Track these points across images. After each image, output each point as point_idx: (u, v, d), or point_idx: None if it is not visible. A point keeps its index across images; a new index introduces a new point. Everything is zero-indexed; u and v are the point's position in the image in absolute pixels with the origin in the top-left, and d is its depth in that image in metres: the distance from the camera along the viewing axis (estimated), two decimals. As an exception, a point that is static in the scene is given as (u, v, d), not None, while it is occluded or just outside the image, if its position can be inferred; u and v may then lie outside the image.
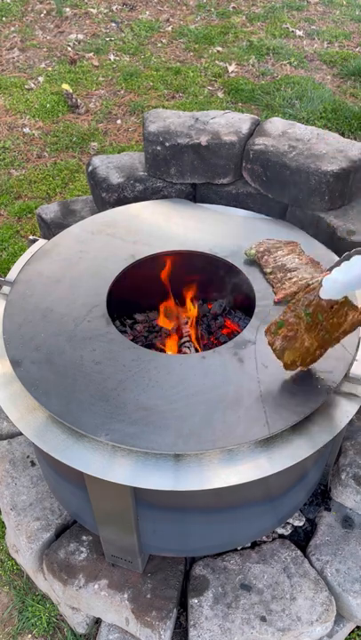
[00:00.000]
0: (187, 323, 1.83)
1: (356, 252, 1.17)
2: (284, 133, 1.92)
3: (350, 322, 1.27)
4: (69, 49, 4.66)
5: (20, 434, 1.85)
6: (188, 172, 1.96)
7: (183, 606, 1.62)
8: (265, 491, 1.46)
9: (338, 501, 1.77)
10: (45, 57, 4.58)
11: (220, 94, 4.05)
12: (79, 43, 4.75)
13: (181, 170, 1.95)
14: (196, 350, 1.75)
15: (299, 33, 4.74)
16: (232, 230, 1.80)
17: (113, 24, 4.99)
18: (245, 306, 1.70)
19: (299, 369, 1.35)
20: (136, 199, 2.03)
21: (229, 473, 1.24)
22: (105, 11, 5.18)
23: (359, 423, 1.84)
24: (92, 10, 5.16)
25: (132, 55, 4.57)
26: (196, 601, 1.56)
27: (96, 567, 1.65)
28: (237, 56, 4.45)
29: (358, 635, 1.72)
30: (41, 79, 4.28)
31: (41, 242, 1.80)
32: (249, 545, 1.68)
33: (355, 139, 3.42)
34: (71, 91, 4.03)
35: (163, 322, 1.83)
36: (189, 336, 1.80)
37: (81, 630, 1.75)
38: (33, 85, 4.24)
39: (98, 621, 1.73)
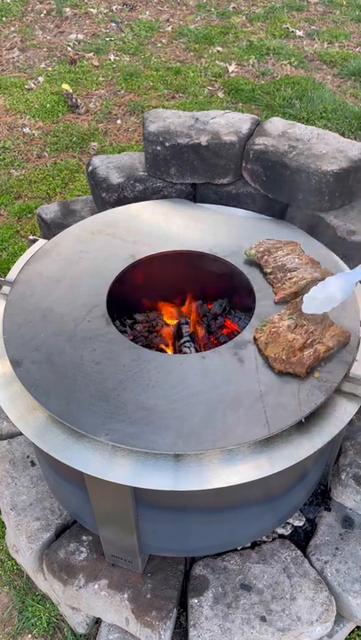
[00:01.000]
0: (187, 323, 1.83)
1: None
2: (284, 133, 1.92)
3: (330, 337, 1.39)
4: (69, 49, 4.66)
5: (20, 434, 1.85)
6: (188, 172, 1.96)
7: (183, 606, 1.62)
8: (265, 491, 1.46)
9: (338, 501, 1.77)
10: (45, 57, 4.58)
11: (220, 94, 4.05)
12: (79, 43, 4.76)
13: (181, 170, 1.95)
14: (196, 350, 1.75)
15: (299, 33, 4.74)
16: (232, 230, 1.80)
17: (113, 24, 4.99)
18: (245, 306, 1.70)
19: (295, 370, 1.35)
20: (136, 199, 2.03)
21: (229, 473, 1.24)
22: (105, 11, 5.18)
23: (359, 423, 1.84)
24: (92, 10, 5.16)
25: (132, 55, 4.57)
26: (196, 601, 1.56)
27: (96, 567, 1.65)
28: (237, 56, 4.45)
29: (358, 635, 1.72)
30: (41, 79, 4.28)
31: (41, 242, 1.80)
32: (249, 545, 1.68)
33: (355, 139, 3.42)
34: (71, 91, 4.03)
35: (163, 322, 1.83)
36: (189, 336, 1.80)
37: (81, 630, 1.75)
38: (33, 85, 4.24)
39: (98, 621, 1.73)
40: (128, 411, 1.29)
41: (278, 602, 1.55)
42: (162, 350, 1.73)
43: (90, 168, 2.13)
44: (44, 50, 4.67)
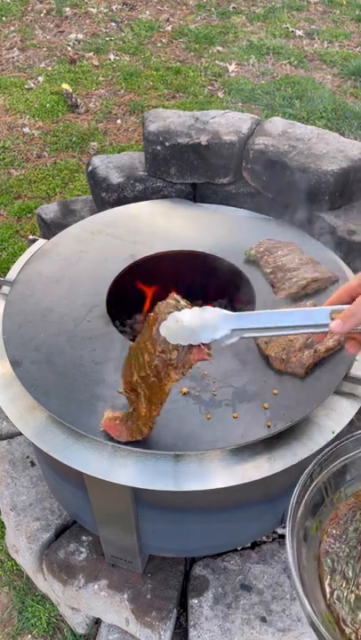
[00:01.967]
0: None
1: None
2: (285, 133, 1.92)
3: (330, 337, 1.34)
4: (69, 49, 4.66)
5: (20, 434, 1.85)
6: (188, 172, 1.96)
7: (183, 606, 1.62)
8: (265, 491, 1.46)
9: (338, 501, 1.77)
10: (45, 57, 4.58)
11: (220, 94, 4.05)
12: (79, 42, 4.75)
13: (181, 170, 1.95)
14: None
15: (299, 33, 4.74)
16: (232, 230, 1.80)
17: (113, 24, 4.99)
18: (245, 306, 1.70)
19: (294, 370, 1.35)
20: (136, 199, 2.03)
21: (229, 473, 1.24)
22: (105, 10, 5.17)
23: (359, 423, 1.83)
24: (91, 9, 5.15)
25: (132, 55, 4.57)
26: (196, 601, 1.55)
27: (96, 567, 1.64)
28: (237, 56, 4.45)
29: (358, 635, 1.71)
30: (41, 79, 4.28)
31: (41, 242, 1.80)
32: (249, 545, 1.68)
33: (355, 139, 3.42)
34: (71, 90, 4.03)
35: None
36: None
37: (81, 630, 1.75)
38: (33, 85, 4.24)
39: (98, 622, 1.73)
40: (128, 411, 1.29)
41: (278, 602, 1.55)
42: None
43: (90, 168, 2.13)
44: (44, 49, 4.67)
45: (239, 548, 1.67)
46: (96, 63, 4.48)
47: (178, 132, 1.93)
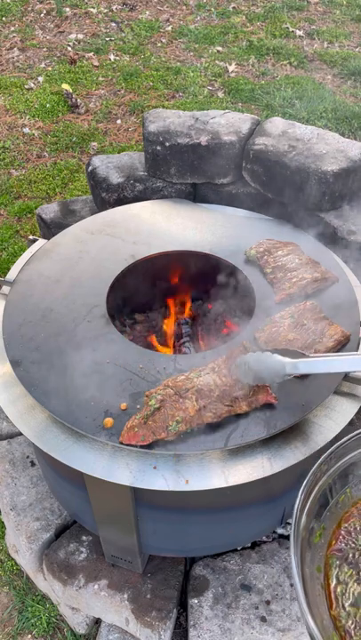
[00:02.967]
0: (186, 323, 1.83)
1: (274, 350, 1.23)
2: (284, 133, 1.92)
3: (330, 337, 1.39)
4: (69, 49, 4.66)
5: (20, 434, 1.85)
6: (188, 172, 1.96)
7: (183, 606, 1.62)
8: (265, 491, 1.46)
9: (338, 501, 1.77)
10: (45, 57, 4.58)
11: (220, 94, 4.05)
12: (79, 42, 4.75)
13: (181, 170, 1.95)
14: (196, 350, 1.75)
15: (299, 33, 4.74)
16: (232, 230, 1.80)
17: (113, 24, 4.99)
18: (245, 306, 1.70)
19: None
20: (136, 199, 2.03)
21: (229, 473, 1.24)
22: (105, 11, 5.18)
23: (359, 423, 1.83)
24: (92, 10, 5.16)
25: (132, 55, 4.57)
26: (196, 601, 1.56)
27: (96, 567, 1.64)
28: (237, 56, 4.45)
29: (358, 635, 1.71)
30: (41, 79, 4.28)
31: (41, 242, 1.80)
32: (249, 545, 1.68)
33: (355, 139, 3.42)
34: (71, 90, 4.03)
35: (163, 322, 1.82)
36: (189, 336, 1.80)
37: (81, 630, 1.75)
38: (33, 85, 4.24)
39: (98, 622, 1.73)
40: (128, 411, 1.29)
41: (278, 602, 1.55)
42: (161, 350, 1.73)
43: (90, 168, 2.13)
44: (44, 50, 4.67)
45: (239, 548, 1.67)
46: (96, 63, 4.48)
47: (178, 132, 1.93)
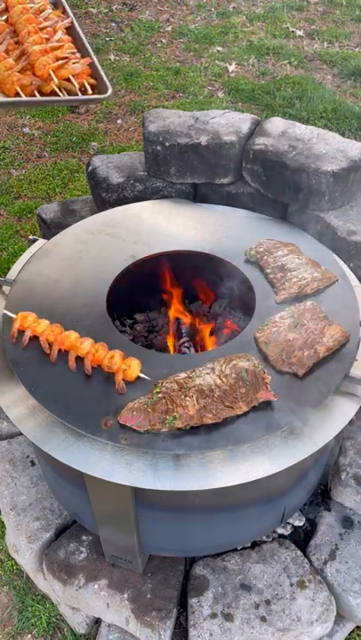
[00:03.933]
0: (187, 323, 1.83)
1: None
2: (284, 133, 1.92)
3: (330, 337, 1.40)
4: (69, 49, 4.65)
5: (20, 434, 1.85)
6: (188, 172, 1.96)
7: (183, 606, 1.62)
8: (265, 491, 1.46)
9: (338, 501, 1.77)
10: (45, 57, 4.57)
11: (220, 94, 4.05)
12: (79, 43, 4.75)
13: (181, 170, 1.95)
14: (196, 350, 1.75)
15: (299, 33, 4.74)
16: (232, 230, 1.80)
17: (113, 24, 4.99)
18: (246, 306, 1.70)
19: (295, 370, 1.35)
20: (136, 199, 2.03)
21: (229, 473, 1.24)
22: (105, 11, 5.17)
23: (359, 423, 1.83)
24: (92, 10, 5.16)
25: (132, 55, 4.57)
26: (196, 601, 1.56)
27: (96, 567, 1.65)
28: (237, 56, 4.45)
29: (358, 635, 1.71)
30: (41, 79, 4.27)
31: (41, 242, 1.80)
32: (249, 545, 1.68)
33: (355, 139, 3.42)
34: (71, 90, 4.03)
35: (163, 322, 1.83)
36: (189, 336, 1.80)
37: (81, 630, 1.75)
38: (33, 85, 4.24)
39: (98, 621, 1.73)
40: (128, 411, 1.29)
41: (278, 602, 1.55)
42: (162, 350, 1.73)
43: (90, 168, 2.13)
44: (44, 50, 4.66)
45: (239, 548, 1.67)
46: (96, 63, 4.48)
47: (178, 133, 1.93)
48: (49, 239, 1.79)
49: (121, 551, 1.57)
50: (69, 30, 1.48)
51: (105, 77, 1.35)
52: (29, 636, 1.77)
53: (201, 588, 1.58)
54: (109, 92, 1.33)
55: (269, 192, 1.88)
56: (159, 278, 1.77)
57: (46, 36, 1.38)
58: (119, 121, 3.91)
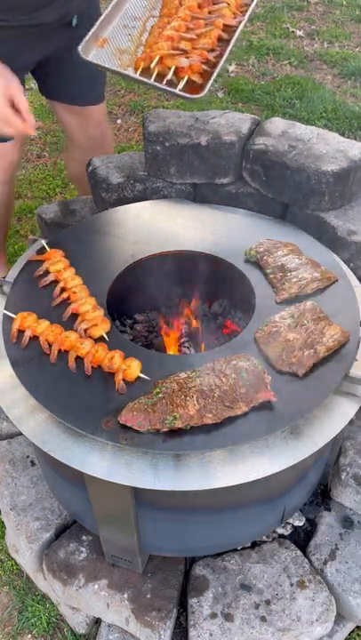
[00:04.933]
0: (186, 323, 1.83)
1: None
2: (285, 133, 1.92)
3: (330, 337, 1.39)
4: (69, 49, 4.65)
5: (20, 434, 1.85)
6: (188, 172, 1.96)
7: (183, 606, 1.62)
8: (265, 490, 1.46)
9: (338, 501, 1.77)
10: (45, 57, 4.58)
11: (220, 94, 4.05)
12: (79, 43, 4.75)
13: (181, 170, 1.95)
14: (196, 350, 1.75)
15: (299, 33, 4.74)
16: (232, 230, 1.80)
17: (113, 24, 4.98)
18: (245, 306, 1.70)
19: (295, 370, 1.35)
20: (136, 199, 2.03)
21: (229, 473, 1.24)
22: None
23: (359, 423, 1.84)
24: (92, 10, 5.15)
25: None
26: (196, 601, 1.56)
27: (96, 567, 1.65)
28: (237, 56, 4.45)
29: (358, 635, 1.72)
30: (41, 79, 4.28)
31: (41, 242, 1.80)
32: (249, 545, 1.68)
33: (355, 139, 3.42)
34: (71, 91, 4.03)
35: (162, 322, 1.82)
36: (189, 336, 1.80)
37: (81, 630, 1.75)
38: (33, 85, 4.24)
39: (98, 621, 1.73)
40: (128, 411, 1.29)
41: (278, 602, 1.55)
42: (162, 350, 1.73)
43: (90, 168, 2.13)
44: (44, 50, 4.66)
45: (239, 548, 1.67)
46: (96, 63, 4.48)
47: (178, 133, 1.93)
48: (49, 239, 1.79)
49: (121, 551, 1.57)
50: (228, 28, 1.54)
51: (208, 84, 1.47)
52: (29, 636, 1.77)
53: (201, 588, 1.58)
54: (197, 95, 1.45)
55: (269, 192, 1.88)
56: (159, 278, 1.77)
57: (191, 26, 1.49)
58: (119, 121, 3.91)
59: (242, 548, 1.67)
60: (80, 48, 1.49)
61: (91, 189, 2.17)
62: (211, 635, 1.50)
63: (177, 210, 1.90)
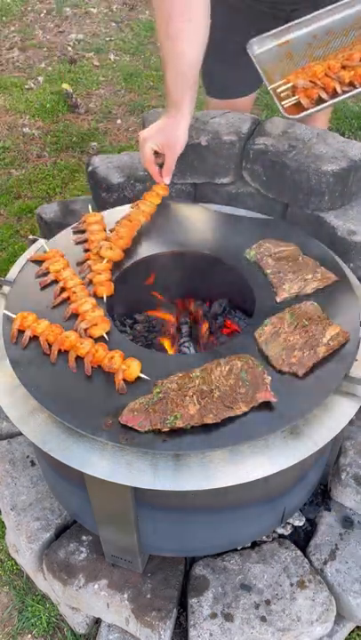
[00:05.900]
0: (186, 323, 1.83)
1: None
2: (285, 133, 1.92)
3: (330, 337, 1.39)
4: (69, 48, 4.66)
5: (20, 434, 1.85)
6: (187, 172, 1.95)
7: (183, 606, 1.62)
8: (265, 490, 1.46)
9: (338, 501, 1.77)
10: (45, 57, 4.58)
11: (220, 94, 4.04)
12: (79, 42, 4.75)
13: (181, 170, 1.95)
14: (196, 350, 1.75)
15: (299, 33, 4.73)
16: (232, 230, 1.80)
17: (113, 24, 4.99)
18: (245, 306, 1.70)
19: (295, 370, 1.35)
20: (136, 199, 2.02)
21: (229, 473, 1.24)
22: (105, 10, 5.18)
23: (359, 423, 1.84)
24: (92, 9, 5.16)
25: (133, 55, 4.57)
26: (196, 601, 1.56)
27: (96, 567, 1.65)
28: (237, 56, 4.44)
29: (358, 635, 1.72)
30: (41, 79, 4.28)
31: (41, 242, 1.80)
32: (249, 545, 1.68)
33: (355, 139, 3.42)
34: (71, 90, 4.03)
35: (162, 322, 1.82)
36: (189, 336, 1.80)
37: (81, 630, 1.75)
38: (33, 85, 4.24)
39: (98, 621, 1.73)
40: (128, 411, 1.29)
41: (278, 602, 1.55)
42: (162, 350, 1.73)
43: (90, 168, 2.13)
44: (44, 49, 4.67)
45: (239, 548, 1.67)
46: (96, 63, 4.48)
47: (178, 132, 1.93)
48: (49, 239, 1.79)
49: (121, 551, 1.57)
50: None
51: (306, 112, 1.70)
52: (29, 636, 1.77)
53: (201, 588, 1.58)
54: (290, 115, 1.72)
55: (270, 192, 1.88)
56: (159, 278, 1.77)
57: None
58: (119, 121, 3.91)
59: (242, 548, 1.67)
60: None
61: (90, 189, 2.17)
62: (211, 635, 1.50)
63: (177, 210, 1.90)
